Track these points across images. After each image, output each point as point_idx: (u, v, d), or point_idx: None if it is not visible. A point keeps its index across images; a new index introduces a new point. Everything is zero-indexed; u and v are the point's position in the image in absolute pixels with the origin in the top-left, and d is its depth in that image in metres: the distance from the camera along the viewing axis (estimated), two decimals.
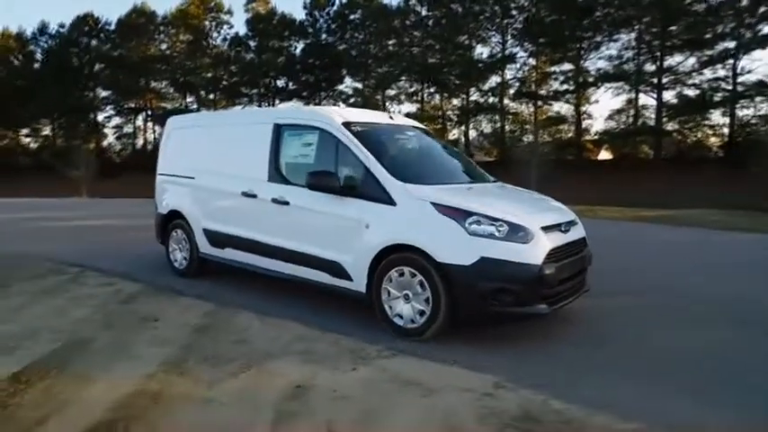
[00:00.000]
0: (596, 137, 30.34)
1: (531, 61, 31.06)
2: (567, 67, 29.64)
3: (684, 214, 14.25)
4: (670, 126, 27.23)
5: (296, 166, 4.83)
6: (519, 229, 3.80)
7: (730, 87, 25.04)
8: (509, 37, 31.27)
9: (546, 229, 3.95)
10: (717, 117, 26.32)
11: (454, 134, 35.77)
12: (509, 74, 31.69)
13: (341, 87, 37.13)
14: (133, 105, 42.26)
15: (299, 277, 4.74)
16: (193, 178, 5.81)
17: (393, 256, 4.03)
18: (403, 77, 34.86)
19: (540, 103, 30.48)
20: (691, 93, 25.96)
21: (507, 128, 32.06)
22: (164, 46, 40.63)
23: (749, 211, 14.75)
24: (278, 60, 37.72)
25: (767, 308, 5.13)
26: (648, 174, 25.50)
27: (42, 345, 3.87)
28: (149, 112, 41.02)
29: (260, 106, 38.89)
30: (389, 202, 4.10)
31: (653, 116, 27.17)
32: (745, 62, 24.90)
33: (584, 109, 30.04)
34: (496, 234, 3.76)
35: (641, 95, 27.54)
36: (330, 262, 4.43)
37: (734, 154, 24.21)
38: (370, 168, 4.25)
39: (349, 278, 4.34)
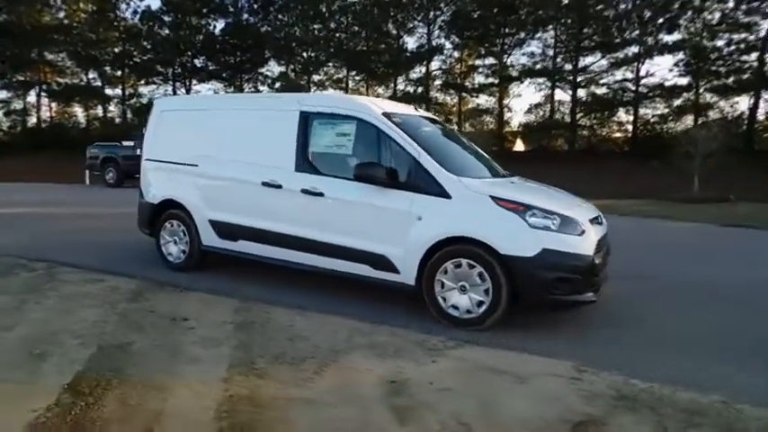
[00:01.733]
0: (518, 129, 32.14)
1: (457, 54, 32.02)
2: (492, 61, 30.98)
3: (612, 204, 15.55)
4: (583, 122, 29.47)
5: (330, 157, 4.66)
6: (572, 221, 3.99)
7: (634, 88, 27.56)
8: (436, 29, 31.98)
9: (591, 221, 4.19)
10: (622, 115, 28.94)
11: None
12: (435, 65, 32.54)
13: (264, 70, 35.89)
14: (24, 78, 37.68)
15: (336, 270, 4.60)
16: (196, 166, 5.38)
17: (449, 249, 4.06)
18: (330, 63, 34.38)
19: (465, 95, 31.58)
20: (601, 91, 28.22)
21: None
22: (61, 14, 36.58)
23: (660, 201, 16.39)
24: (195, 39, 35.52)
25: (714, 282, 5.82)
26: (562, 165, 27.46)
27: (73, 350, 3.46)
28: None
29: (174, 86, 36.50)
30: (443, 194, 4.11)
31: (568, 111, 29.26)
32: (648, 66, 27.20)
33: (506, 102, 31.66)
34: (551, 227, 3.92)
35: (559, 92, 29.48)
36: (374, 254, 4.35)
37: (637, 148, 26.74)
38: (420, 161, 4.22)
39: (395, 270, 4.30)
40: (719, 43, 25.43)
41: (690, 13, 25.88)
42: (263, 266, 5.28)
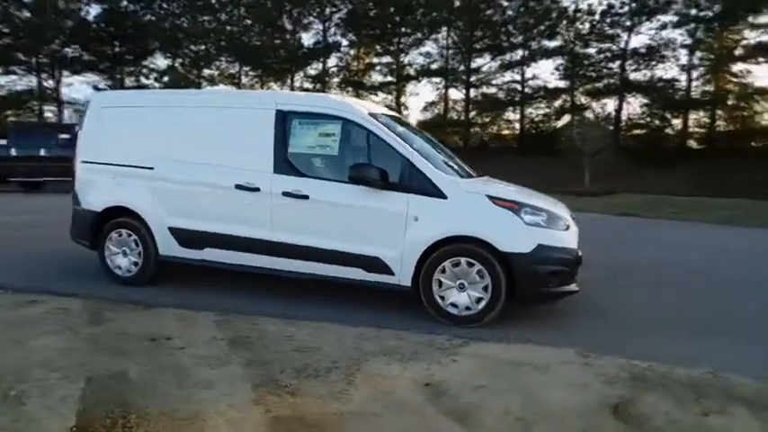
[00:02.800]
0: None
1: (354, 51, 32.19)
2: (389, 60, 31.59)
3: None
4: (476, 120, 31.26)
5: (313, 158, 4.48)
6: (558, 217, 4.26)
7: (521, 89, 29.82)
8: (332, 26, 31.87)
9: (571, 217, 4.50)
10: (510, 114, 31.17)
11: None
12: (333, 62, 32.42)
13: (149, 63, 33.06)
14: None
15: (323, 275, 4.44)
16: (151, 168, 4.86)
17: (447, 248, 4.11)
18: (222, 57, 32.72)
19: (363, 92, 31.87)
20: (492, 91, 30.14)
21: None
22: None
23: (558, 195, 17.95)
24: (64, 24, 31.67)
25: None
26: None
27: (58, 386, 2.98)
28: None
29: (40, 77, 32.29)
30: (439, 195, 4.15)
31: (462, 110, 30.84)
32: (534, 69, 29.57)
33: (403, 100, 32.49)
34: (542, 223, 4.15)
35: (454, 91, 30.92)
36: (367, 257, 4.28)
37: (524, 145, 29.00)
38: (414, 161, 4.22)
39: (390, 272, 4.26)
40: (591, 51, 28.34)
41: (565, 22, 28.56)
42: (221, 276, 5.01)
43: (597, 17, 28.00)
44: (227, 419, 2.68)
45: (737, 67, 26.97)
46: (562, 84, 29.47)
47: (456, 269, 4.12)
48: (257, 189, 4.49)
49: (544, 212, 4.20)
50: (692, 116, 28.09)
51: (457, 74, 30.16)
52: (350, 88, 32.33)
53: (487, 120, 31.69)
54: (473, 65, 29.90)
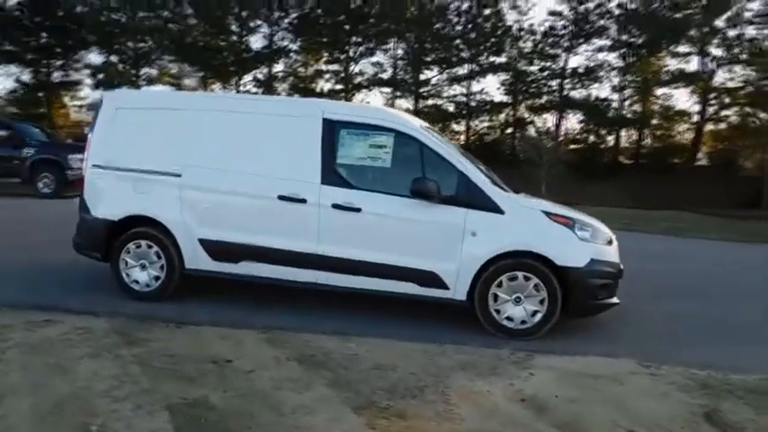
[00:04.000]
0: None
1: (303, 58, 31.79)
2: (337, 67, 31.48)
3: None
4: None
5: (364, 170, 4.37)
6: (602, 232, 4.41)
7: (467, 102, 30.72)
8: (281, 30, 31.29)
9: None
10: (454, 126, 31.99)
11: None
12: (281, 67, 31.83)
13: (80, 56, 30.70)
14: None
15: (374, 290, 4.32)
16: (179, 176, 4.51)
17: (504, 262, 4.14)
18: (165, 56, 31.14)
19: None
20: (441, 103, 30.77)
21: None
22: None
23: None
24: None
25: None
26: None
27: (139, 418, 2.69)
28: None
29: None
30: (496, 210, 4.18)
31: None
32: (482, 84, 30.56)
33: None
34: (590, 238, 4.29)
35: (404, 102, 31.25)
36: (422, 271, 4.22)
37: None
38: (470, 176, 4.23)
39: (445, 287, 4.23)
40: (533, 69, 29.74)
41: (510, 39, 29.80)
42: (229, 289, 4.77)
43: (539, 37, 29.48)
44: None
45: (661, 90, 29.39)
46: (506, 98, 30.66)
47: (512, 283, 4.16)
48: (303, 200, 4.30)
49: (591, 228, 4.34)
50: (623, 134, 30.18)
51: (406, 85, 30.54)
52: (297, 95, 31.85)
53: (436, 131, 32.28)
54: (422, 77, 30.42)
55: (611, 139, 30.08)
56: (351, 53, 30.70)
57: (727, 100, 27.73)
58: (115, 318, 4.23)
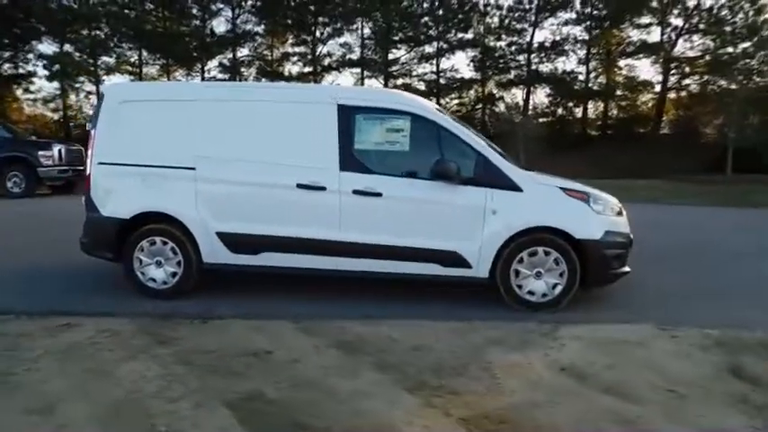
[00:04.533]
0: None
1: (268, 41, 31.05)
2: (305, 49, 30.90)
3: None
4: None
5: (382, 154, 4.37)
6: (613, 205, 4.56)
7: (436, 79, 30.76)
8: (245, 13, 30.45)
9: None
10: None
11: None
12: (246, 51, 31.04)
13: (35, 48, 29.10)
14: None
15: (396, 273, 4.38)
16: (193, 169, 4.42)
17: (525, 239, 4.25)
18: (123, 44, 29.89)
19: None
20: (411, 82, 30.70)
21: None
22: None
23: None
24: None
25: None
26: None
27: (203, 416, 2.69)
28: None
29: None
30: (515, 188, 4.26)
31: None
32: (452, 61, 30.54)
33: None
34: (602, 211, 4.43)
35: (374, 82, 30.99)
36: (445, 252, 4.29)
37: None
38: (487, 156, 4.30)
39: (467, 266, 4.31)
40: (501, 44, 29.93)
41: (477, 15, 29.84)
42: (243, 281, 4.77)
43: (505, 12, 29.62)
44: (423, 426, 2.61)
45: (624, 61, 30.06)
46: (475, 75, 30.81)
47: (533, 258, 4.28)
48: (323, 188, 4.29)
49: (603, 200, 4.48)
50: (590, 105, 30.82)
51: (376, 65, 30.32)
52: (265, 79, 31.21)
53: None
54: (391, 56, 30.24)
55: (578, 112, 30.71)
56: (318, 34, 30.21)
57: (687, 69, 28.58)
58: (136, 318, 4.16)
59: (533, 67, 30.19)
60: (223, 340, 3.73)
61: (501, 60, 30.40)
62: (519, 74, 30.31)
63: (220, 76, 30.35)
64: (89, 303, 4.52)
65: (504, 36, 29.78)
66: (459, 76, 30.56)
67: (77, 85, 30.46)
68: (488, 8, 29.78)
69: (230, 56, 30.70)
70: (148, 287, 4.57)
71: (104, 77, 30.55)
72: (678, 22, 28.20)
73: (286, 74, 30.69)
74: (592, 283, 4.45)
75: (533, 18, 29.66)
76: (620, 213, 4.58)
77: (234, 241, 4.44)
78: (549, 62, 30.23)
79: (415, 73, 30.59)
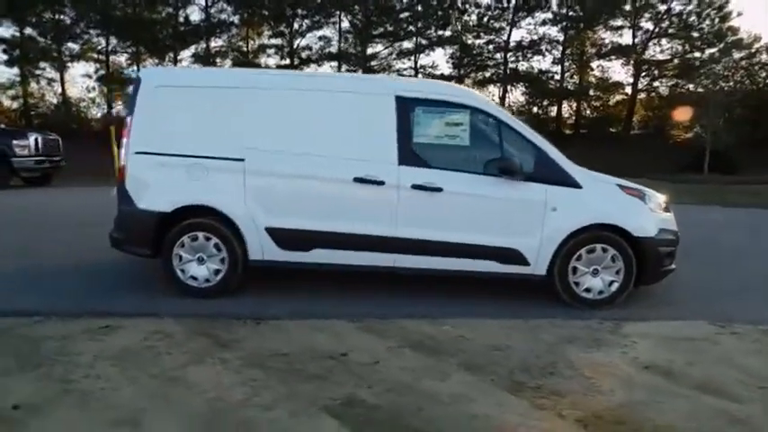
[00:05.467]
0: None
1: (243, 32, 30.28)
2: (280, 42, 30.31)
3: None
4: None
5: (440, 148, 4.25)
6: (662, 202, 4.59)
7: (414, 75, 30.71)
8: (220, 1, 29.57)
9: None
10: None
11: None
12: (222, 42, 30.13)
13: None
14: None
15: (452, 270, 4.28)
16: (242, 160, 4.19)
17: (584, 236, 4.22)
18: (91, 30, 28.51)
19: None
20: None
21: None
22: None
23: None
24: None
25: None
26: None
27: (307, 424, 2.53)
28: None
29: None
30: (574, 185, 4.23)
31: None
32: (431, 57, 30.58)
33: None
34: (656, 208, 4.45)
35: None
36: (504, 249, 4.22)
37: None
38: (547, 152, 4.24)
39: (525, 263, 4.25)
40: (479, 42, 30.14)
41: (455, 13, 29.93)
42: (276, 277, 4.58)
43: (483, 10, 29.82)
44: (544, 430, 2.52)
45: (598, 62, 30.80)
46: (453, 72, 30.91)
47: (591, 255, 4.27)
48: (381, 182, 4.14)
49: (655, 197, 4.50)
50: (565, 105, 31.44)
51: (354, 59, 30.02)
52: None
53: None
54: (370, 50, 30.02)
55: (553, 111, 31.25)
56: (296, 27, 29.64)
57: (656, 72, 29.52)
58: (182, 319, 3.91)
59: (510, 65, 30.56)
60: (288, 342, 3.55)
61: (479, 58, 30.64)
62: (496, 72, 30.65)
63: (195, 66, 29.37)
64: (119, 303, 4.24)
65: (482, 34, 29.98)
66: (437, 72, 30.57)
67: (39, 72, 28.95)
68: (467, 6, 29.93)
69: (208, 45, 29.70)
70: (189, 285, 4.32)
71: (69, 64, 29.23)
72: (649, 25, 29.11)
73: (263, 66, 30.00)
74: (645, 281, 4.46)
75: (511, 17, 29.99)
76: (667, 210, 4.61)
77: (285, 237, 4.23)
78: (525, 61, 30.69)
79: (394, 68, 30.45)
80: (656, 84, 29.75)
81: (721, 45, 27.16)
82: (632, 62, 29.28)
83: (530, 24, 30.10)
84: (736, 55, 26.97)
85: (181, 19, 29.28)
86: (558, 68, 30.79)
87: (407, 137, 4.20)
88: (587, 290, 4.31)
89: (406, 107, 4.21)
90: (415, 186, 4.14)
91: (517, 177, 4.13)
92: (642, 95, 30.37)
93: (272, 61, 30.70)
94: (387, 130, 4.18)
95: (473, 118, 4.26)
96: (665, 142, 27.33)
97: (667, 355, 3.44)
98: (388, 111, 4.19)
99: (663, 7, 28.07)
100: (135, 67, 30.08)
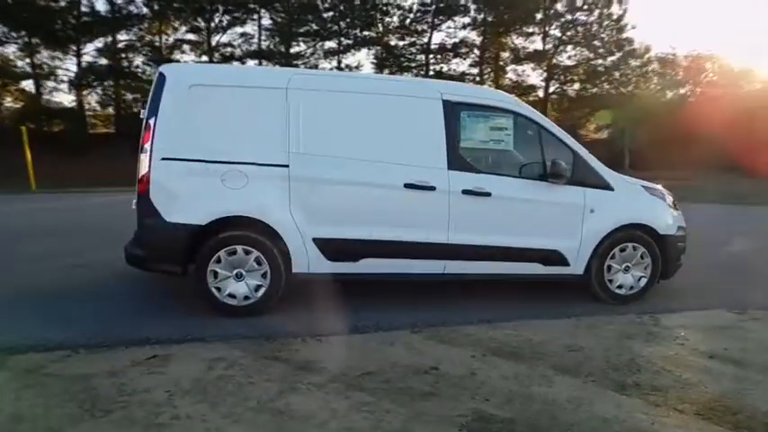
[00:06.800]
0: None
1: (155, 27, 28.23)
2: (199, 38, 28.69)
3: None
4: None
5: (487, 153, 4.25)
6: (672, 200, 4.95)
7: None
8: None
9: None
10: None
11: (59, 99, 28.69)
12: (131, 35, 27.83)
13: None
14: None
15: (498, 274, 4.30)
16: (286, 166, 3.89)
17: (618, 235, 4.43)
18: None
19: None
20: None
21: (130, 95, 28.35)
22: None
23: None
24: None
25: None
26: None
27: None
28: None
29: None
30: (608, 187, 4.42)
31: None
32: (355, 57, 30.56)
33: None
34: (672, 207, 4.79)
35: None
36: (547, 251, 4.32)
37: None
38: (583, 156, 4.40)
39: (566, 263, 4.39)
40: (403, 43, 30.66)
41: (378, 14, 30.20)
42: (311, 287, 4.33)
43: (406, 12, 30.38)
44: (675, 426, 2.62)
45: (512, 66, 32.60)
46: (377, 72, 31.14)
47: (623, 253, 4.50)
48: (432, 188, 4.05)
49: (669, 197, 4.84)
50: None
51: (277, 57, 29.23)
52: (156, 67, 28.41)
53: None
54: (294, 49, 29.40)
55: None
56: (216, 22, 28.25)
57: (564, 77, 31.80)
58: (234, 341, 3.58)
59: (432, 67, 31.40)
60: (366, 358, 3.37)
61: (402, 59, 31.14)
62: (418, 73, 31.29)
63: (103, 62, 27.03)
64: (150, 329, 3.76)
65: (405, 36, 30.51)
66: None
67: None
68: (389, 7, 30.31)
69: (117, 38, 27.40)
70: (228, 304, 3.94)
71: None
72: (557, 33, 31.27)
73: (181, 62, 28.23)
74: (664, 275, 4.78)
75: (432, 20, 30.81)
76: (676, 207, 4.98)
77: (333, 248, 4.01)
78: (445, 63, 31.70)
79: (318, 68, 30.03)
80: (565, 87, 32.01)
81: (620, 53, 29.82)
82: (544, 67, 31.28)
83: (450, 28, 31.20)
84: (633, 63, 29.81)
85: (84, 8, 26.69)
86: (476, 71, 32.19)
87: (455, 141, 4.16)
88: (620, 286, 4.54)
89: (452, 111, 4.17)
90: (466, 191, 4.11)
91: (562, 181, 4.24)
92: (554, 97, 32.55)
93: (189, 58, 29.07)
94: (436, 135, 4.11)
95: (516, 123, 4.32)
96: (580, 141, 29.45)
97: (718, 343, 3.72)
98: (437, 115, 4.13)
99: (569, 17, 30.28)
100: (29, 60, 27.06)
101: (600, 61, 30.24)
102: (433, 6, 30.29)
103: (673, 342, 3.76)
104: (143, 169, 3.86)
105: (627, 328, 4.00)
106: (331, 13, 29.30)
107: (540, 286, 4.82)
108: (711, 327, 4.11)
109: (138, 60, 28.00)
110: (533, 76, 32.44)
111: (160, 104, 3.85)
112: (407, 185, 4.04)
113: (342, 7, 29.38)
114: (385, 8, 30.29)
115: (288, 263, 3.99)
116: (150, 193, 3.84)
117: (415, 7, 30.21)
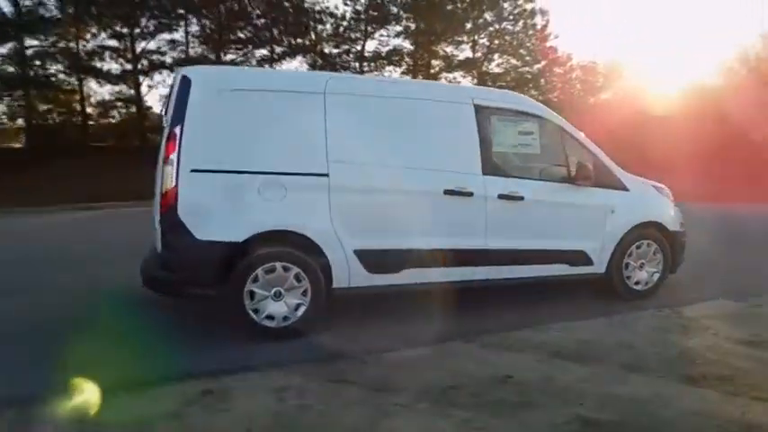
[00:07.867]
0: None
1: (72, 32, 26.08)
2: (120, 44, 26.82)
3: None
4: None
5: (516, 157, 4.28)
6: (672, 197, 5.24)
7: None
8: None
9: None
10: None
11: None
12: (40, 41, 25.45)
13: None
14: None
15: (529, 277, 4.35)
16: (326, 176, 3.67)
17: (634, 234, 4.62)
18: None
19: (100, 80, 26.33)
20: None
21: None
22: None
23: None
24: None
25: None
26: None
27: None
28: None
29: None
30: (624, 188, 4.61)
31: None
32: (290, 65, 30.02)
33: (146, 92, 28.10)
34: (673, 204, 5.07)
35: None
36: (574, 252, 4.43)
37: None
38: (602, 159, 4.55)
39: (590, 263, 4.51)
40: (338, 51, 30.51)
41: (312, 23, 29.88)
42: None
43: (339, 20, 30.29)
44: (761, 414, 2.74)
45: (444, 74, 33.44)
46: None
47: (639, 251, 4.71)
48: (470, 193, 4.02)
49: (670, 195, 5.12)
50: None
51: (206, 64, 28.03)
52: (75, 76, 26.30)
53: None
54: (226, 57, 28.31)
55: None
56: (141, 28, 26.59)
57: (494, 84, 33.07)
58: (288, 367, 3.31)
59: (365, 74, 31.50)
60: (438, 373, 3.25)
61: (337, 67, 30.95)
62: None
63: (11, 69, 24.61)
64: (185, 361, 3.40)
65: (340, 44, 30.40)
66: None
67: None
68: (323, 15, 30.10)
69: (32, 43, 25.04)
70: (267, 327, 3.65)
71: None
72: (485, 41, 32.50)
73: (104, 71, 26.37)
74: (672, 270, 5.02)
75: (365, 28, 30.94)
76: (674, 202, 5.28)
77: (376, 259, 3.85)
78: (379, 71, 31.89)
79: None
80: None
81: (545, 61, 31.51)
82: (475, 74, 32.36)
83: (383, 36, 31.46)
84: (557, 70, 31.59)
85: None
86: (408, 78, 32.71)
87: (488, 146, 4.17)
88: (637, 282, 4.75)
89: (483, 116, 4.18)
90: (501, 196, 4.12)
91: (588, 183, 4.36)
92: None
93: (112, 66, 27.13)
94: (470, 140, 4.09)
95: (541, 127, 4.39)
96: None
97: (747, 330, 3.97)
98: (470, 120, 4.11)
99: (497, 26, 31.58)
100: None
101: (527, 69, 31.74)
102: (366, 15, 30.44)
103: (706, 332, 3.96)
104: (169, 183, 3.50)
105: (658, 323, 4.18)
106: (263, 20, 28.56)
107: (545, 288, 4.86)
108: (726, 315, 4.38)
109: (55, 67, 25.73)
110: (464, 83, 33.40)
111: (186, 111, 3.51)
112: (447, 192, 3.98)
113: (274, 14, 28.76)
114: (318, 16, 30.04)
115: (328, 278, 3.79)
116: (178, 209, 3.49)
117: (348, 15, 30.19)
